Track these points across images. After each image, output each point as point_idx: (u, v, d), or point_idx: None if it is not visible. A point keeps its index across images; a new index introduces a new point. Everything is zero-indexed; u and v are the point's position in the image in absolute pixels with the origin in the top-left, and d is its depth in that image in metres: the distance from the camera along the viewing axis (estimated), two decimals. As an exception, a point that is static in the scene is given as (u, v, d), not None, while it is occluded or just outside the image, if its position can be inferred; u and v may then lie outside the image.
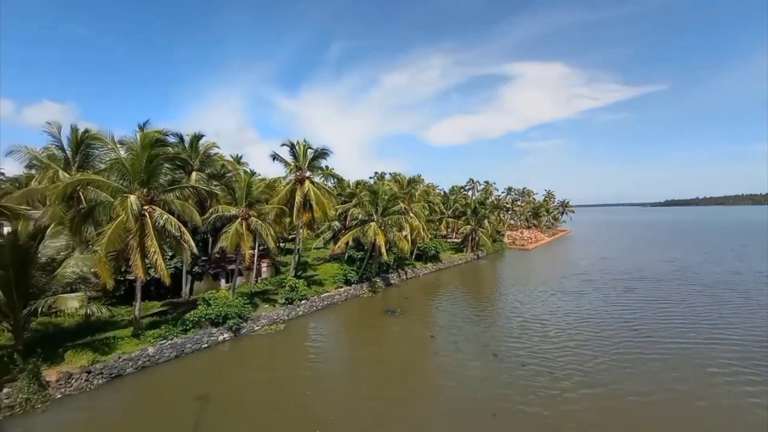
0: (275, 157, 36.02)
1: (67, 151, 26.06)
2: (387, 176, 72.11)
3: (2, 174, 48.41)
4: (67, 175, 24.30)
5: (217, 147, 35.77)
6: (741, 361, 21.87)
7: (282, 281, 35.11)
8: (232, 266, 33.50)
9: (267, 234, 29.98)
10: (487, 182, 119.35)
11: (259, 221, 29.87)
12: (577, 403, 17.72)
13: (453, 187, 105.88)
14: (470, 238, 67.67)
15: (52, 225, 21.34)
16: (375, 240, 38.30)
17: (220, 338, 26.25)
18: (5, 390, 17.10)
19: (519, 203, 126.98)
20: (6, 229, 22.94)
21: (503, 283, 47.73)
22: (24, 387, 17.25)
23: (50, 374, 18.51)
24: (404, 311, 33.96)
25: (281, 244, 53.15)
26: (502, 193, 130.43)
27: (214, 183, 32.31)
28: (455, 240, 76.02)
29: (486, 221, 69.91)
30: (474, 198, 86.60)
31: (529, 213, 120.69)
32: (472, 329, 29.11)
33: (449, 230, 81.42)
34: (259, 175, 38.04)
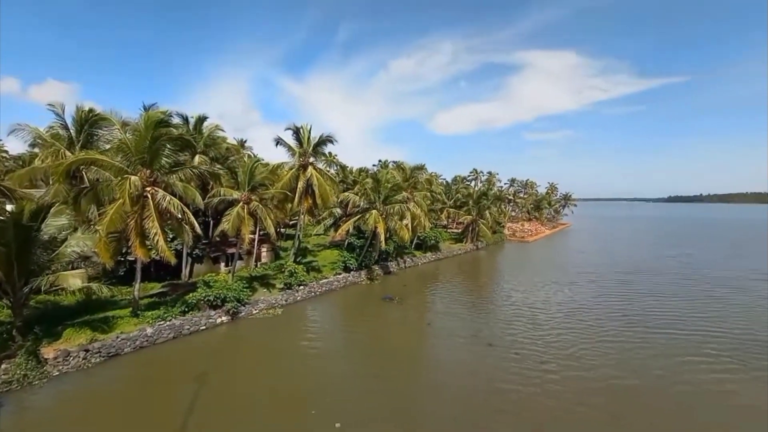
0: (279, 141, 35.80)
1: (71, 130, 25.96)
2: (391, 164, 71.64)
3: (6, 152, 48.24)
4: (71, 155, 24.22)
5: (222, 130, 35.48)
6: (728, 352, 22.52)
7: (281, 266, 35.35)
8: (233, 250, 33.72)
9: (268, 219, 30.01)
10: (490, 173, 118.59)
11: (261, 206, 29.88)
12: (561, 383, 18.84)
13: (456, 177, 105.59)
14: (470, 228, 67.68)
15: (56, 204, 21.37)
16: (376, 228, 38.35)
17: (218, 321, 26.60)
18: (3, 366, 17.47)
19: (521, 195, 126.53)
20: (9, 207, 22.97)
21: (501, 274, 48.01)
22: (22, 363, 17.63)
23: (48, 351, 18.86)
24: (402, 299, 34.29)
25: (282, 230, 53.32)
26: (505, 184, 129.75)
27: (218, 166, 32.19)
28: (455, 230, 76.10)
29: (487, 212, 69.75)
30: (477, 189, 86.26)
31: (531, 205, 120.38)
32: (468, 318, 29.50)
33: (450, 220, 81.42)
34: (263, 159, 37.88)
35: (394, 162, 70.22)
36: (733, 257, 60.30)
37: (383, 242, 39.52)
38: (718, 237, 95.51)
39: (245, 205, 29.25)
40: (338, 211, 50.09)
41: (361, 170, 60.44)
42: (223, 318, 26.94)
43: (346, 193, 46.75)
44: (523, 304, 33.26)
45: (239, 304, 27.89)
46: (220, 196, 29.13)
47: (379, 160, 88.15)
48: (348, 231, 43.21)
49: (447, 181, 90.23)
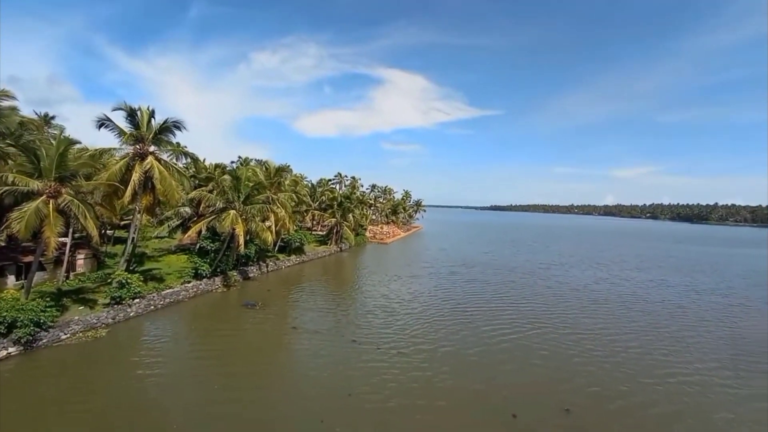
0: (105, 123, 28.84)
1: None
2: (253, 162, 66.82)
3: None
4: None
5: (13, 97, 26.42)
6: (526, 321, 29.85)
7: (107, 276, 28.67)
8: (30, 258, 25.52)
9: (88, 218, 23.83)
10: (353, 178, 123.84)
11: (77, 201, 23.50)
12: (411, 356, 21.66)
13: (321, 179, 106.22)
14: (335, 231, 69.10)
15: None
16: (234, 230, 35.10)
17: (2, 354, 19.66)
18: None
19: (381, 200, 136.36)
20: None
21: (363, 274, 50.68)
22: None
23: None
24: (266, 304, 32.32)
25: (110, 232, 43.28)
26: (367, 189, 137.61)
27: (6, 143, 23.82)
28: (320, 232, 76.44)
29: (351, 215, 72.53)
30: (341, 192, 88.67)
31: (389, 210, 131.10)
32: (333, 318, 30.01)
33: (314, 222, 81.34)
34: (81, 143, 29.84)
35: (257, 160, 65.85)
36: (525, 253, 79.33)
37: (243, 245, 36.34)
38: (516, 240, 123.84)
39: (51, 200, 22.52)
40: (187, 210, 43.80)
41: (217, 166, 54.42)
42: (11, 350, 20.03)
43: (199, 191, 41.41)
44: (382, 299, 36.11)
45: (38, 329, 21.22)
46: (7, 185, 21.61)
47: (239, 157, 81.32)
48: (200, 233, 38.25)
49: (313, 183, 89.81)
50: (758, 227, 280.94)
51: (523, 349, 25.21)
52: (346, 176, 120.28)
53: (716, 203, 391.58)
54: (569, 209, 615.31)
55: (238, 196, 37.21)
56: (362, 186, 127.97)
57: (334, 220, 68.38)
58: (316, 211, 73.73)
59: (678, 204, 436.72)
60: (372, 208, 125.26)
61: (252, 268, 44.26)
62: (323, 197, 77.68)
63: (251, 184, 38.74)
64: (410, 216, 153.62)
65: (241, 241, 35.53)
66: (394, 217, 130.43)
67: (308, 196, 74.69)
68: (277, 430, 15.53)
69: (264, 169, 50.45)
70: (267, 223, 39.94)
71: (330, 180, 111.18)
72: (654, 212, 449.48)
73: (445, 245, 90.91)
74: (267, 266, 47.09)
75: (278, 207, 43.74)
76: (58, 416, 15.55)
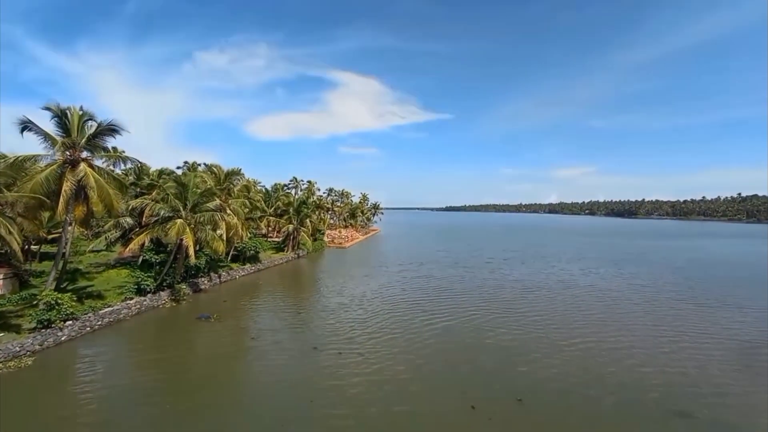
0: (28, 126, 25.91)
1: None
2: (201, 167, 63.32)
3: None
4: None
5: None
6: (480, 310, 31.96)
7: (33, 298, 25.75)
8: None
9: (9, 233, 21.28)
10: (310, 182, 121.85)
11: (-7, 215, 20.90)
12: (372, 358, 21.01)
13: (275, 184, 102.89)
14: (292, 237, 67.49)
15: None
16: (182, 240, 33.11)
17: None
18: None
19: (339, 204, 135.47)
20: None
21: (321, 279, 50.20)
22: None
23: None
24: (221, 316, 30.86)
25: (35, 247, 38.82)
26: (324, 193, 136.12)
27: None
28: (276, 239, 74.27)
29: (308, 221, 71.30)
30: (297, 197, 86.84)
31: (347, 213, 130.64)
32: (293, 325, 29.40)
33: (270, 229, 78.88)
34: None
35: (205, 164, 62.50)
36: (475, 250, 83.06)
37: (192, 256, 34.30)
38: (469, 236, 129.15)
39: (-39, 214, 19.82)
40: (128, 221, 40.54)
41: (161, 172, 51.01)
42: None
43: (141, 199, 38.54)
44: (340, 304, 35.86)
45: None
46: None
47: (186, 162, 76.99)
48: (143, 245, 35.62)
49: (267, 189, 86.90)
50: (677, 219, 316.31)
51: (474, 339, 27.16)
52: (302, 180, 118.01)
53: (643, 199, 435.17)
54: (518, 208, 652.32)
55: (185, 204, 35.13)
56: (319, 190, 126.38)
57: (290, 226, 66.79)
58: (271, 218, 71.52)
59: (612, 201, 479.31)
60: (330, 212, 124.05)
61: (203, 279, 41.92)
62: (279, 203, 75.61)
63: (199, 191, 36.75)
64: (368, 219, 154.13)
65: (191, 251, 33.55)
66: (352, 221, 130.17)
67: (263, 202, 72.29)
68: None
69: (213, 174, 48.05)
70: (218, 232, 38.05)
71: (285, 185, 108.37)
72: (592, 209, 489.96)
73: (401, 245, 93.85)
74: (220, 277, 44.86)
75: (229, 214, 41.90)
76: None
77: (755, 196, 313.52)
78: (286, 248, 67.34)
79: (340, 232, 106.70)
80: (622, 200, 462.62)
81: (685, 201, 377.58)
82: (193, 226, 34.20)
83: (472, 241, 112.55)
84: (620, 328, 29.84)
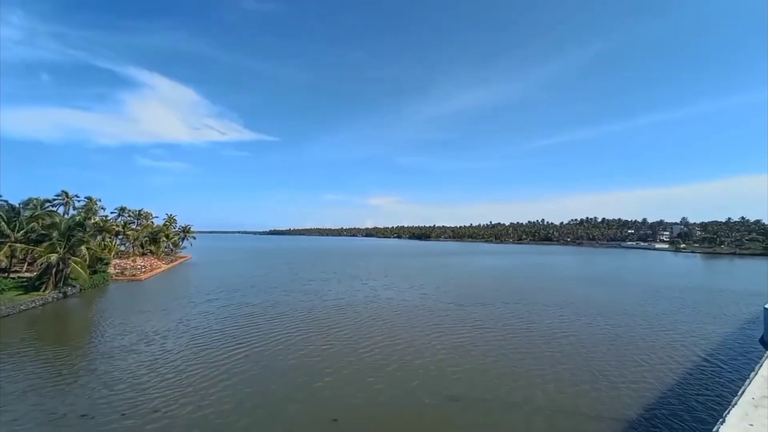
0: None
1: None
2: None
3: None
4: None
5: None
6: (307, 329, 32.56)
7: None
8: None
9: None
10: (90, 198, 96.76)
11: None
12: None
13: (29, 199, 76.55)
14: (55, 270, 51.67)
15: None
16: None
17: None
18: None
19: (134, 227, 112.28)
20: None
21: (100, 327, 38.38)
22: None
23: None
24: None
25: None
26: (113, 213, 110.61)
27: None
28: (28, 274, 55.15)
29: (84, 248, 56.35)
30: (68, 217, 67.31)
31: (146, 238, 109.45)
32: (49, 399, 22.38)
33: (18, 260, 58.15)
34: None
35: None
36: (297, 272, 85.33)
37: None
38: (290, 262, 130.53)
39: None
40: None
41: None
42: None
43: None
44: (121, 344, 30.45)
45: None
46: None
47: None
48: None
49: (13, 204, 63.56)
50: (459, 241, 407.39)
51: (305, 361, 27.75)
52: (76, 196, 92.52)
53: (434, 225, 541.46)
54: (339, 231, 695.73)
55: None
56: (104, 209, 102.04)
57: (54, 255, 51.13)
58: (20, 244, 52.93)
59: (413, 226, 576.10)
60: (120, 236, 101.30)
61: None
62: (34, 223, 56.90)
63: None
64: (175, 245, 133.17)
65: None
66: (152, 247, 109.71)
67: (3, 223, 52.90)
68: None
69: None
70: None
71: (49, 200, 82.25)
72: (399, 233, 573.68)
73: (214, 273, 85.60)
74: None
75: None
76: None
77: (500, 223, 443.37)
78: (44, 286, 50.83)
79: (134, 261, 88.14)
80: (420, 225, 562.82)
81: (461, 227, 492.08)
82: None
83: (296, 263, 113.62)
84: (408, 330, 36.88)
